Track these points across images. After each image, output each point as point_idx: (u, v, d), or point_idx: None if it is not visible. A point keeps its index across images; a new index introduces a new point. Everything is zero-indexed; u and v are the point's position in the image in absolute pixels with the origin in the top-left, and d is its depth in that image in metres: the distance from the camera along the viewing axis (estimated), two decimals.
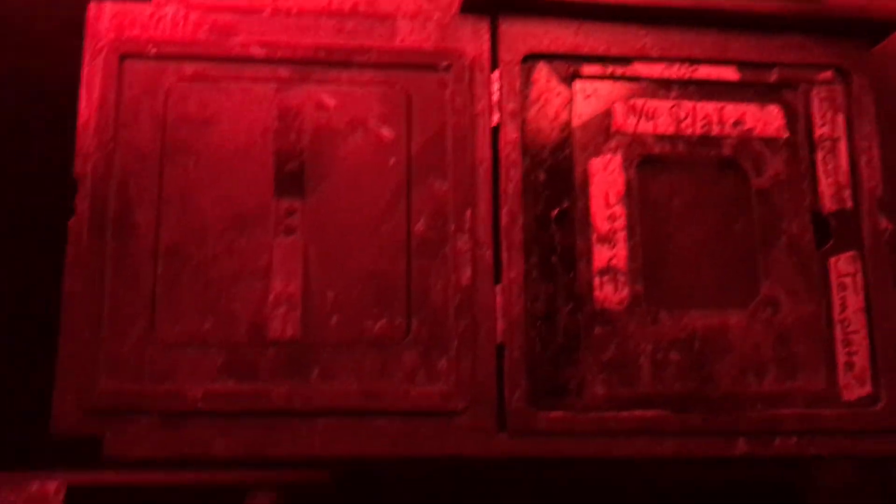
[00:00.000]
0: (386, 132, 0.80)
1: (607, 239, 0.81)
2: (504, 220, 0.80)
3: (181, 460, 0.72)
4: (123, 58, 0.78)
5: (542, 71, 0.84)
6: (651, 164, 0.84)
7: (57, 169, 0.81)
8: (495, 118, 0.82)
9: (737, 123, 0.86)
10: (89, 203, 0.76)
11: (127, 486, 1.01)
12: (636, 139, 0.84)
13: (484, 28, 0.83)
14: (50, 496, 0.78)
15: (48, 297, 0.76)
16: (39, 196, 0.91)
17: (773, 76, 0.87)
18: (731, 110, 0.87)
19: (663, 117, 0.85)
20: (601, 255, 0.81)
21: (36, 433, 0.88)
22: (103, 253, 0.75)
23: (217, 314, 0.75)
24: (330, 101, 0.80)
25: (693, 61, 0.86)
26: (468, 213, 0.79)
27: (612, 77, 0.85)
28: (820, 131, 0.87)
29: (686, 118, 0.86)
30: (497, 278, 0.79)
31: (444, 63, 0.82)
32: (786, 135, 0.86)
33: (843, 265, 0.84)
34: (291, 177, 0.78)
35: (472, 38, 0.83)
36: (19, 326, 0.90)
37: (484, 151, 0.81)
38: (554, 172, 0.82)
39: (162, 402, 0.73)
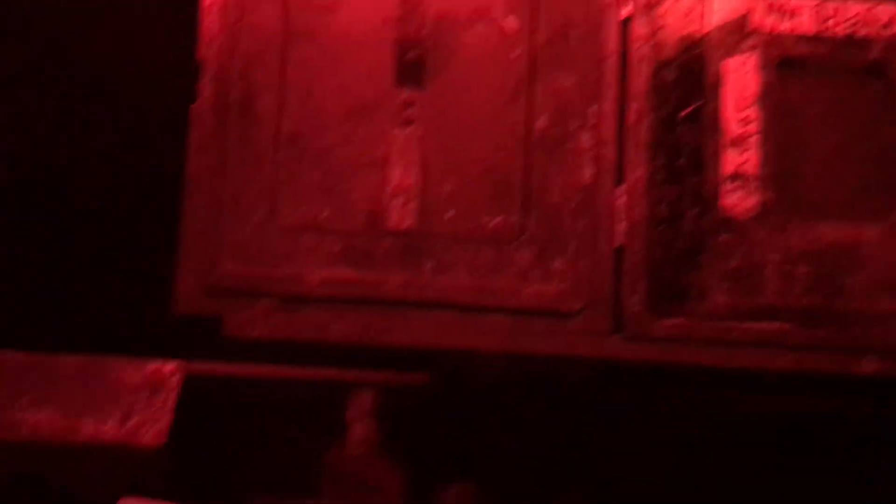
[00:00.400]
0: (510, 22, 0.77)
1: (738, 143, 0.77)
2: (630, 118, 0.77)
3: (297, 342, 0.72)
4: None
5: None
6: (789, 66, 0.79)
7: (181, 52, 0.81)
8: (625, 11, 0.78)
9: (886, 25, 0.80)
10: (213, 87, 0.76)
11: (237, 376, 1.04)
12: (774, 39, 0.79)
13: None
14: (167, 377, 0.80)
15: (173, 181, 0.78)
16: (164, 80, 0.92)
17: None
18: (881, 11, 0.80)
19: (805, 16, 0.79)
20: (731, 159, 0.77)
21: (157, 318, 0.91)
22: (226, 138, 0.76)
23: (335, 202, 0.75)
24: None
25: None
26: (592, 109, 0.76)
27: None
28: None
29: (830, 18, 0.80)
30: (620, 179, 0.76)
31: None
32: None
33: None
34: (411, 67, 0.76)
35: None
36: (141, 211, 0.92)
37: (612, 46, 0.77)
38: (685, 71, 0.78)
39: (280, 286, 0.74)
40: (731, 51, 0.78)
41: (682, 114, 0.78)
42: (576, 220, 0.75)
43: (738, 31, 0.79)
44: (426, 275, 0.75)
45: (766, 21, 0.79)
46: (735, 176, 0.76)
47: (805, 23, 0.79)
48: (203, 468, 0.97)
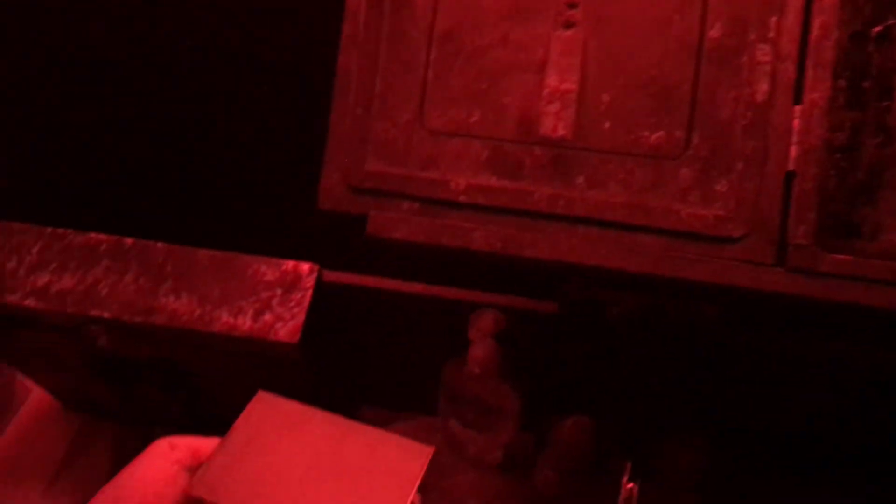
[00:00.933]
0: None
1: None
2: (814, 32, 0.70)
3: (437, 248, 0.70)
4: None
5: None
6: None
7: None
8: None
9: None
10: None
11: (368, 287, 1.04)
12: None
13: None
14: (304, 276, 0.80)
15: (322, 74, 0.76)
16: None
17: None
18: None
19: None
20: None
21: (297, 217, 0.91)
22: (379, 31, 0.73)
23: (486, 106, 0.72)
24: None
25: None
26: (773, 20, 0.70)
27: None
28: None
29: None
30: (797, 98, 0.70)
31: None
32: None
33: None
34: None
35: None
36: (288, 107, 0.91)
37: None
38: None
39: (425, 189, 0.72)
40: None
41: (874, 32, 0.70)
42: (745, 140, 0.69)
43: None
44: (577, 188, 0.71)
45: None
46: None
47: None
48: (323, 371, 0.98)
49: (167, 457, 0.57)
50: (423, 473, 0.60)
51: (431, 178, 0.72)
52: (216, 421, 1.00)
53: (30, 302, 0.81)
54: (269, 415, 0.63)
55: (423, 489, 0.61)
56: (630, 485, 0.86)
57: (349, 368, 1.09)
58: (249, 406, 0.64)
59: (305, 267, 0.82)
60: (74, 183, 1.03)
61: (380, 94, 0.73)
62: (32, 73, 1.00)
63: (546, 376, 1.07)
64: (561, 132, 0.70)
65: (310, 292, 0.81)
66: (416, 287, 1.06)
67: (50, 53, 0.98)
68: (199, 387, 0.94)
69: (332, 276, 1.05)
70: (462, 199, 0.71)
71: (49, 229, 0.85)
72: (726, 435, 0.97)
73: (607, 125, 0.71)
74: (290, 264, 0.82)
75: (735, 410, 1.03)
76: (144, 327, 0.81)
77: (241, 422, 0.62)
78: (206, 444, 0.59)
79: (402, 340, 1.09)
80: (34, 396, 1.14)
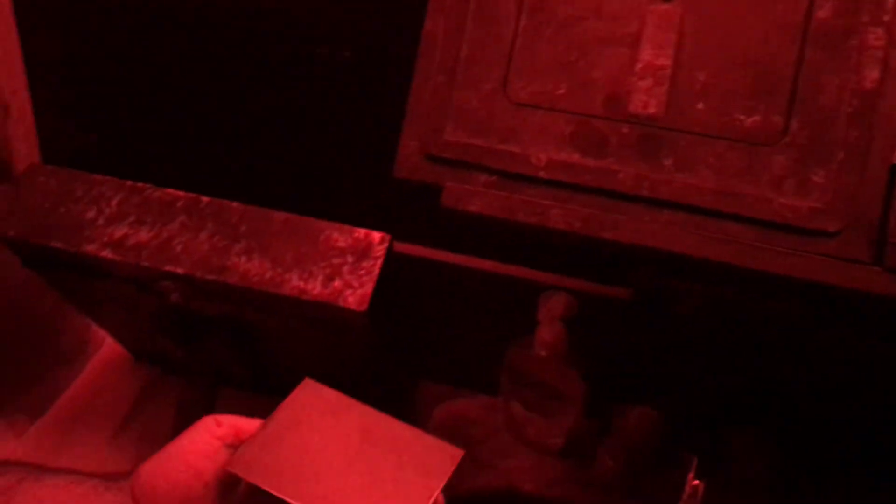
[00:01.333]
0: None
1: None
2: None
3: (514, 223, 0.68)
4: None
5: None
6: None
7: None
8: None
9: None
10: None
11: (438, 261, 1.02)
12: None
13: None
14: (375, 244, 0.79)
15: (406, 39, 0.74)
16: None
17: None
18: None
19: None
20: None
21: (373, 185, 0.90)
22: None
23: (574, 79, 0.69)
24: None
25: None
26: (890, 1, 0.65)
27: None
28: None
29: None
30: None
31: None
32: None
33: None
34: None
35: None
36: (369, 71, 0.90)
37: None
38: None
39: (504, 162, 0.70)
40: None
41: None
42: (848, 129, 0.65)
43: None
44: (665, 170, 0.68)
45: None
46: None
47: None
48: (387, 342, 0.97)
49: (212, 432, 0.60)
50: (450, 475, 0.61)
51: (511, 152, 0.70)
52: (279, 384, 1.01)
53: (106, 253, 0.82)
54: (311, 402, 0.65)
55: (447, 489, 0.61)
56: (696, 481, 0.83)
57: (413, 341, 1.08)
58: (294, 392, 0.66)
59: (377, 236, 0.81)
60: (157, 139, 1.05)
61: (464, 61, 0.71)
62: (118, 29, 1.01)
63: (614, 364, 1.04)
64: (651, 110, 0.67)
65: (380, 261, 0.79)
66: (487, 264, 1.05)
67: (133, 10, 0.99)
68: (266, 348, 0.94)
69: (402, 247, 1.04)
70: (542, 174, 0.69)
71: (129, 183, 0.85)
72: (796, 437, 0.93)
73: (700, 106, 0.68)
74: (362, 232, 0.81)
75: (808, 412, 0.99)
76: (216, 285, 0.81)
77: (284, 406, 0.64)
78: (249, 424, 0.61)
79: (468, 317, 1.07)
80: (107, 347, 1.16)
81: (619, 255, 0.89)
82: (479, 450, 1.11)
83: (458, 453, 0.63)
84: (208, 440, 0.58)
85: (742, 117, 0.67)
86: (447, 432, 1.12)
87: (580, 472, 1.06)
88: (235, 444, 0.59)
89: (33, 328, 1.08)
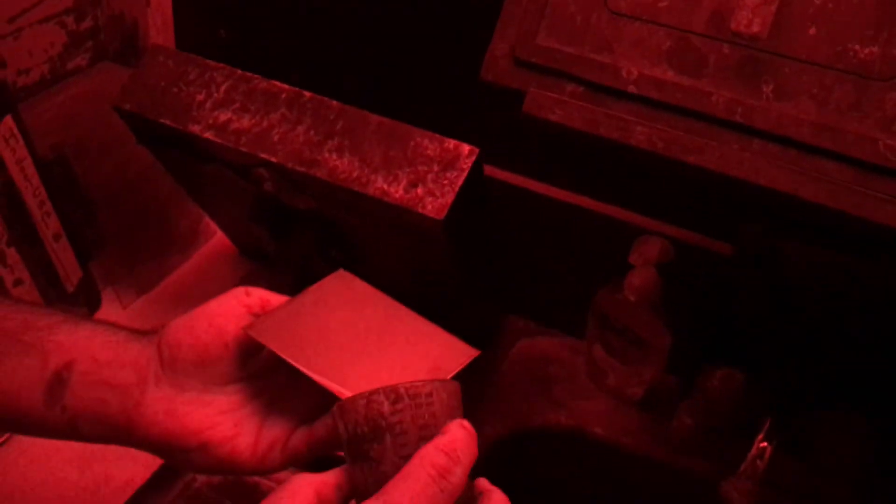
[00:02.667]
0: None
1: None
2: None
3: (594, 138, 0.66)
4: None
5: None
6: None
7: None
8: None
9: None
10: None
11: (531, 190, 1.01)
12: None
13: None
14: (463, 156, 0.78)
15: None
16: None
17: None
18: None
19: None
20: None
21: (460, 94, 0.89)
22: None
23: None
24: None
25: None
26: None
27: None
28: None
29: None
30: None
31: None
32: None
33: None
34: None
35: None
36: None
37: None
38: None
39: (594, 73, 0.67)
40: None
41: None
42: None
43: None
44: (762, 97, 0.63)
45: None
46: None
47: None
48: (469, 262, 0.97)
49: (240, 300, 0.62)
50: (460, 368, 0.60)
51: (603, 62, 0.67)
52: None
53: (209, 135, 0.86)
54: (340, 289, 0.66)
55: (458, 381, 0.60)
56: (764, 444, 0.78)
57: (500, 271, 1.07)
58: (327, 277, 0.67)
59: (466, 148, 0.80)
60: (276, 38, 1.08)
61: None
62: None
63: (705, 320, 1.00)
64: (755, 28, 0.63)
65: (465, 174, 0.79)
66: (584, 201, 1.02)
67: None
68: (351, 253, 0.96)
69: (499, 173, 1.03)
70: (631, 89, 0.66)
71: (238, 71, 0.88)
72: (891, 418, 0.86)
73: (812, 30, 0.62)
74: (451, 143, 0.81)
75: None
76: (305, 177, 0.83)
77: (313, 288, 0.65)
78: (277, 299, 0.63)
79: (557, 254, 1.05)
80: (216, 239, 1.22)
81: (717, 201, 0.85)
82: (555, 389, 1.09)
83: (473, 352, 0.62)
84: (235, 305, 0.61)
85: (857, 47, 0.61)
86: (525, 366, 1.12)
87: (655, 426, 1.03)
88: (259, 314, 0.61)
89: (152, 211, 1.15)
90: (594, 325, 1.05)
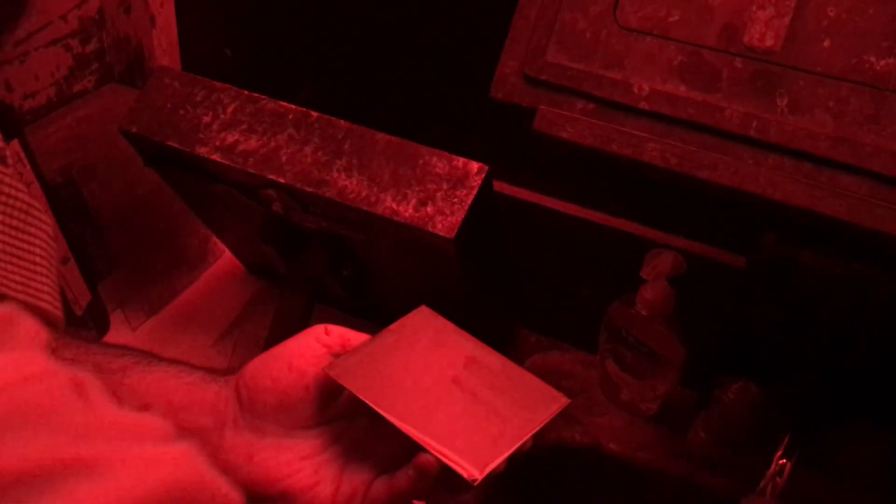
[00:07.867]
0: None
1: None
2: None
3: (607, 155, 0.65)
4: None
5: None
6: None
7: None
8: None
9: None
10: None
11: (541, 205, 1.00)
12: None
13: None
14: (472, 174, 0.78)
15: None
16: None
17: None
18: None
19: None
20: None
21: (469, 112, 0.89)
22: None
23: (689, 6, 0.64)
24: None
25: None
26: None
27: None
28: None
29: None
30: None
31: None
32: None
33: None
34: None
35: None
36: None
37: None
38: None
39: (604, 89, 0.66)
40: None
41: None
42: None
43: None
44: (777, 111, 0.62)
45: None
46: None
47: None
48: (481, 278, 0.96)
49: (320, 339, 0.59)
50: (550, 418, 0.59)
51: (614, 79, 0.66)
52: (374, 309, 1.02)
53: (217, 157, 0.85)
54: (423, 327, 0.63)
55: (538, 436, 0.58)
56: (783, 461, 0.77)
57: (511, 286, 1.06)
58: (408, 315, 0.64)
59: (475, 166, 0.79)
60: (281, 58, 1.07)
61: None
62: None
63: (718, 333, 0.99)
64: (769, 42, 0.62)
65: (475, 191, 0.78)
66: (596, 215, 1.01)
67: None
68: (362, 268, 0.95)
69: (509, 188, 1.02)
70: (643, 105, 0.65)
71: (245, 92, 0.88)
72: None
73: (826, 43, 0.61)
74: (460, 161, 0.80)
75: None
76: (314, 198, 0.83)
77: (394, 326, 0.63)
78: (357, 337, 0.60)
79: (568, 268, 1.04)
80: (224, 259, 1.22)
81: (730, 213, 0.83)
82: (569, 404, 1.08)
83: (564, 400, 0.60)
84: (315, 346, 0.58)
85: (873, 59, 0.60)
86: None
87: (670, 441, 1.02)
88: (340, 353, 0.59)
89: (160, 232, 1.14)
90: (607, 339, 1.03)
